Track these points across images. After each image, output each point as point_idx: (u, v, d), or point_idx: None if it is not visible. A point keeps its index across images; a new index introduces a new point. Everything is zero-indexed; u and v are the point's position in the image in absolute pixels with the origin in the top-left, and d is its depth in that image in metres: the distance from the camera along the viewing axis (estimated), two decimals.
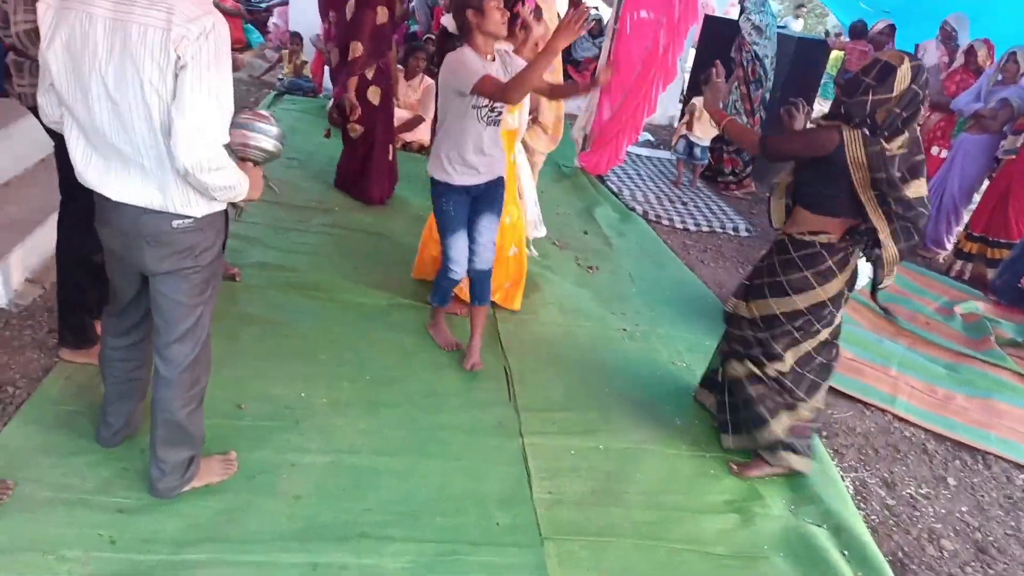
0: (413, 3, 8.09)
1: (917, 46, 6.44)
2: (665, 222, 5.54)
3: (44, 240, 3.25)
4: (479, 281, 3.16)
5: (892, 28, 7.12)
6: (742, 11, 6.26)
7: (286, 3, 8.68)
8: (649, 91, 4.10)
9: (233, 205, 2.02)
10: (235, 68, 3.37)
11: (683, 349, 3.70)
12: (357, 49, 4.53)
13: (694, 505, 2.65)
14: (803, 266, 2.62)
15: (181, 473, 2.20)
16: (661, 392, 3.29)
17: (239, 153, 1.94)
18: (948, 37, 6.20)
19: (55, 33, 1.70)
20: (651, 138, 7.90)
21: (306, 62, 7.54)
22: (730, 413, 2.89)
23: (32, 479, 2.22)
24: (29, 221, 3.35)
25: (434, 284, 3.27)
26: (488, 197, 3.04)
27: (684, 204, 5.98)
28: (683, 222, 5.58)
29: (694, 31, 6.64)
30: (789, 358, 2.73)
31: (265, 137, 1.96)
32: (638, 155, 7.30)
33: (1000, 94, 5.24)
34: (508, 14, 2.76)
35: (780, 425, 2.73)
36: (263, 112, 2.01)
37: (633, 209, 5.66)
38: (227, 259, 3.62)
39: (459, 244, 3.03)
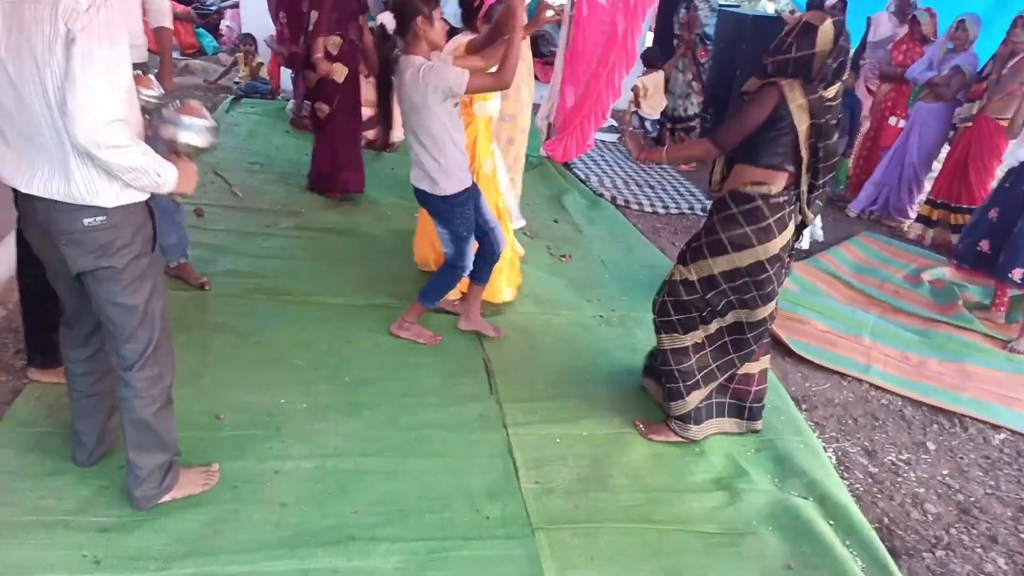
0: None
1: (869, 19, 6.53)
2: (634, 206, 5.56)
3: (5, 259, 3.15)
4: (494, 262, 3.28)
5: (844, 2, 7.20)
6: None
7: (236, 5, 8.54)
8: (611, 76, 4.08)
9: (173, 200, 1.98)
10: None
11: None
12: (314, 16, 4.41)
13: (680, 485, 2.66)
14: (744, 222, 2.60)
15: (158, 481, 2.16)
16: (640, 375, 3.30)
17: (169, 148, 1.90)
18: (904, 5, 6.29)
19: None
20: (614, 123, 7.92)
21: (262, 64, 7.42)
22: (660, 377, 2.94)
23: (9, 503, 2.17)
24: None
25: (435, 285, 3.23)
26: (476, 185, 3.12)
27: (652, 188, 6.01)
28: (652, 205, 5.60)
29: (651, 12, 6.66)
30: (719, 322, 2.75)
31: (192, 132, 1.91)
32: (603, 141, 7.31)
33: (952, 62, 5.33)
34: (448, 25, 2.87)
35: (694, 400, 2.80)
36: (194, 104, 1.96)
37: (601, 195, 5.67)
38: (196, 269, 3.56)
39: (472, 244, 3.12)
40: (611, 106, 4.13)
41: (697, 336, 2.77)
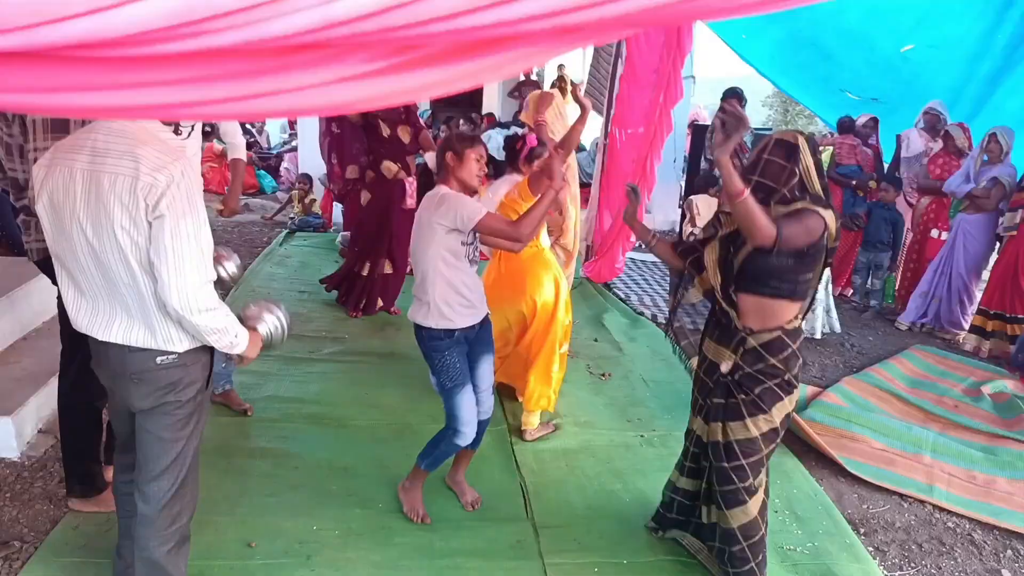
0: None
1: (898, 136, 6.63)
2: (675, 324, 5.53)
3: (55, 390, 3.28)
4: (481, 432, 2.90)
5: (875, 121, 7.36)
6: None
7: (295, 149, 9.18)
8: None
9: (231, 360, 2.09)
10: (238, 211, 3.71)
11: None
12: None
13: None
14: (800, 355, 2.44)
15: None
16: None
17: (243, 321, 2.07)
18: (935, 121, 6.40)
19: (42, 188, 1.83)
20: None
21: (315, 200, 7.87)
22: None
23: None
24: (43, 373, 3.40)
25: (431, 448, 2.85)
26: (484, 338, 2.84)
27: (692, 304, 5.98)
28: (693, 322, 5.56)
29: (677, 139, 6.96)
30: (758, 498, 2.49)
31: (274, 327, 2.20)
32: (643, 260, 7.40)
33: (989, 173, 5.34)
34: (486, 169, 2.71)
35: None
36: (273, 304, 2.26)
37: (642, 313, 5.67)
38: (240, 395, 3.65)
39: (468, 401, 2.73)
40: (630, 238, 4.26)
41: (759, 503, 2.52)
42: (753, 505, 2.48)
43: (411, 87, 1.16)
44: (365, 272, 5.15)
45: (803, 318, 2.47)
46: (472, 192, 2.70)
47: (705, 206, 6.82)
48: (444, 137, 2.80)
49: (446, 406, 2.75)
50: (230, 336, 1.92)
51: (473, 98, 8.28)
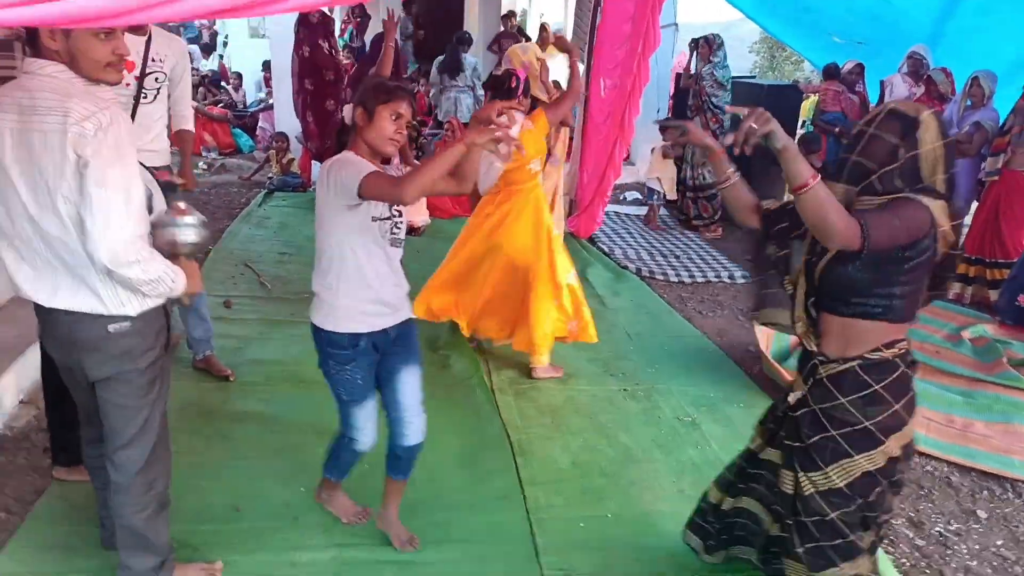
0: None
1: (882, 82, 6.58)
2: (659, 277, 5.54)
3: (37, 360, 3.24)
4: (407, 458, 2.42)
5: (861, 67, 7.30)
6: (708, 64, 6.51)
7: (271, 107, 8.99)
8: (613, 155, 4.21)
9: (177, 301, 2.01)
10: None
11: (687, 404, 3.62)
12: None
13: (708, 573, 2.53)
14: (893, 398, 1.88)
15: None
16: (666, 451, 3.21)
17: (170, 250, 1.92)
18: (918, 66, 6.34)
19: None
20: (638, 196, 7.99)
21: (293, 159, 7.73)
22: None
23: None
24: (22, 342, 3.35)
25: (332, 458, 2.54)
26: (406, 342, 2.32)
27: (676, 257, 5.99)
28: (677, 275, 5.57)
29: (660, 89, 6.89)
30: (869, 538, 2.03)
31: (189, 230, 1.93)
32: (626, 214, 7.37)
33: (972, 118, 5.31)
34: (405, 132, 2.16)
35: None
36: (181, 205, 1.98)
37: (626, 267, 5.67)
38: (222, 359, 3.63)
39: (367, 411, 2.34)
40: (614, 182, 4.22)
41: (864, 568, 2.03)
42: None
43: None
44: None
45: (901, 351, 1.91)
46: (386, 159, 2.19)
47: (659, 162, 6.90)
48: (359, 87, 2.20)
49: (341, 414, 2.37)
50: (167, 282, 1.84)
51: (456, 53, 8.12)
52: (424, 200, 5.91)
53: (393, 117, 2.09)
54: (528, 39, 8.74)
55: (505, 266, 3.66)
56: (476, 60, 8.48)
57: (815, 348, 1.98)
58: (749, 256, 2.49)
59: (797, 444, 2.01)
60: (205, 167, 8.25)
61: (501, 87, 3.52)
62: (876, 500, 1.96)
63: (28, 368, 3.28)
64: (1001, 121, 5.28)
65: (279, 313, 4.40)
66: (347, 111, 2.16)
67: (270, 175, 7.72)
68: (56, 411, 2.67)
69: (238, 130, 9.56)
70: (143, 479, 2.03)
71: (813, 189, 1.66)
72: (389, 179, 2.01)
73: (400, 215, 2.24)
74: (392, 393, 2.32)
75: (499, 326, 3.81)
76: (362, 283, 2.17)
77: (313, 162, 7.60)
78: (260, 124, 9.43)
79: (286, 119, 7.88)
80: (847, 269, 1.83)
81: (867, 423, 1.88)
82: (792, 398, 2.04)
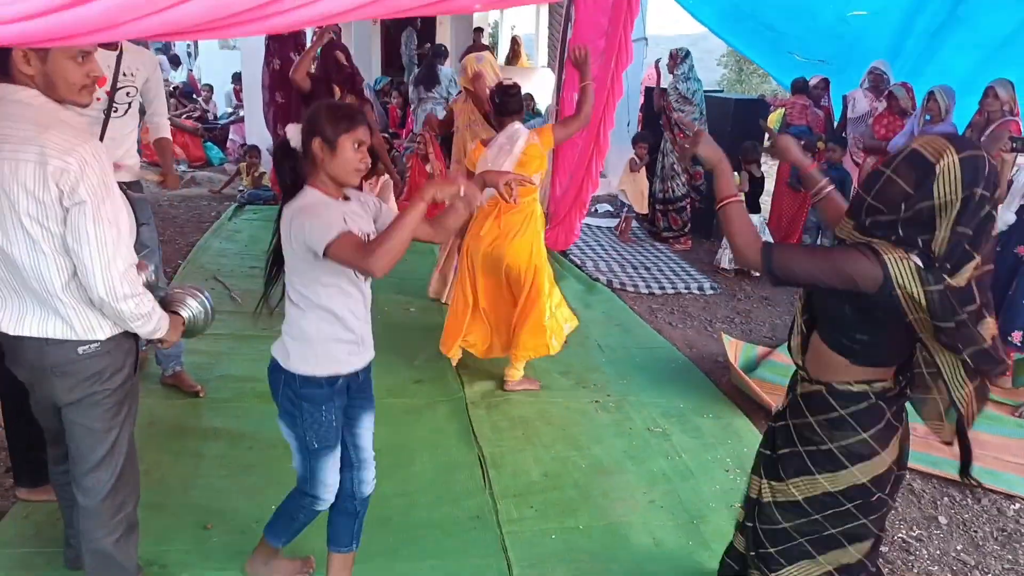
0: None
1: (844, 97, 6.74)
2: (630, 288, 5.60)
3: None
4: (362, 515, 2.30)
5: (826, 82, 7.47)
6: (674, 78, 6.63)
7: (242, 120, 8.94)
8: (590, 167, 4.26)
9: (155, 343, 2.04)
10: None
11: (657, 415, 3.67)
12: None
13: None
14: (859, 426, 1.86)
15: None
16: (637, 462, 3.25)
17: (164, 306, 2.01)
18: (879, 81, 6.51)
19: None
20: (610, 208, 8.07)
21: (264, 173, 7.70)
22: None
23: None
24: None
25: (284, 520, 2.30)
26: (365, 387, 2.23)
27: (647, 269, 6.06)
28: (648, 287, 5.64)
29: (630, 102, 6.99)
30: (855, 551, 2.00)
31: (195, 310, 2.13)
32: (598, 226, 7.43)
33: (931, 132, 5.45)
34: (368, 160, 1.98)
35: None
36: (197, 289, 2.17)
37: (597, 279, 5.72)
38: (192, 376, 3.59)
39: (335, 461, 2.17)
40: (591, 195, 4.26)
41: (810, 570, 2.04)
42: None
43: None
44: None
45: (876, 388, 1.86)
46: (349, 188, 2.04)
47: (626, 175, 7.07)
48: (309, 112, 1.98)
49: (305, 469, 2.15)
50: (153, 322, 1.88)
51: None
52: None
53: (356, 146, 1.92)
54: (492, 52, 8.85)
55: (507, 279, 3.69)
56: (452, 71, 8.54)
57: (799, 363, 2.00)
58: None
59: (768, 452, 2.06)
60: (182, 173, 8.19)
61: (508, 98, 3.50)
62: (838, 522, 1.95)
63: None
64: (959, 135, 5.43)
65: (250, 328, 4.34)
66: (293, 134, 1.95)
67: (240, 188, 7.67)
68: (16, 432, 2.63)
69: (209, 143, 9.49)
70: (111, 502, 2.00)
71: (727, 206, 1.86)
72: (357, 247, 1.83)
73: None
74: (353, 439, 2.20)
75: (501, 342, 3.83)
76: (340, 325, 2.04)
77: None
78: (231, 136, 9.37)
79: (257, 131, 7.85)
80: (835, 299, 1.81)
81: (831, 445, 1.88)
82: (773, 409, 2.10)
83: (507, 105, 3.53)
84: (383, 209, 2.13)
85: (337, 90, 4.88)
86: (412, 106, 8.71)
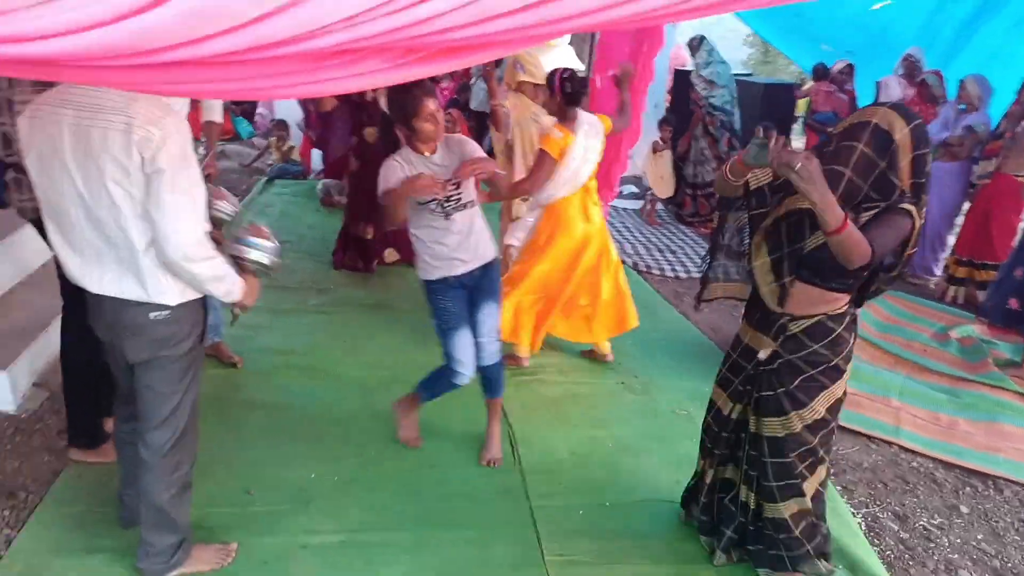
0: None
1: (878, 83, 6.67)
2: (655, 271, 5.64)
3: (48, 344, 3.32)
4: (490, 378, 2.99)
5: (851, 67, 7.39)
6: (695, 67, 6.66)
7: None
8: (618, 150, 4.27)
9: (230, 311, 2.12)
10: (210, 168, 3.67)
11: (683, 397, 3.73)
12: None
13: (703, 559, 2.64)
14: (849, 335, 2.24)
15: (167, 558, 2.23)
16: (663, 443, 3.32)
17: (235, 264, 2.05)
18: (913, 68, 6.44)
19: (29, 142, 1.85)
20: (635, 189, 8.08)
21: (293, 147, 7.77)
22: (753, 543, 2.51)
23: None
24: (34, 326, 3.42)
25: (431, 380, 3.00)
26: (485, 286, 2.87)
27: (673, 252, 6.09)
28: (673, 270, 5.67)
29: (656, 84, 6.98)
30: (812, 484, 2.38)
31: (262, 252, 2.11)
32: (624, 208, 7.45)
33: (964, 122, 5.42)
34: (442, 120, 2.63)
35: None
36: (263, 227, 2.15)
37: (623, 262, 5.75)
38: (230, 346, 3.70)
39: (464, 342, 2.82)
40: (620, 177, 4.28)
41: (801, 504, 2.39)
42: (808, 489, 2.36)
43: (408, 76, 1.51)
44: (370, 235, 5.10)
45: (851, 304, 2.25)
46: (432, 146, 2.66)
47: (649, 157, 7.03)
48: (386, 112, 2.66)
49: (443, 346, 2.86)
50: (228, 283, 1.98)
51: None
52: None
53: (427, 121, 2.54)
54: None
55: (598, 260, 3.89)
56: None
57: (778, 309, 2.24)
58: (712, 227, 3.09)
59: (780, 391, 2.27)
60: (205, 152, 8.27)
61: (582, 86, 3.54)
62: (823, 440, 2.32)
63: (41, 351, 3.35)
64: (994, 125, 5.39)
65: (284, 302, 4.47)
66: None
67: (270, 162, 7.75)
68: (74, 394, 2.75)
69: (238, 117, 9.57)
70: (171, 460, 2.13)
71: (844, 234, 1.88)
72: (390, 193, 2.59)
73: (438, 203, 2.67)
74: (473, 324, 2.86)
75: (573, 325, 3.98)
76: (427, 248, 2.76)
77: (313, 150, 7.64)
78: (259, 110, 9.44)
79: (285, 105, 7.92)
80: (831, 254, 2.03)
81: (836, 359, 2.23)
82: (763, 355, 2.30)
83: (580, 93, 3.54)
84: (467, 151, 2.71)
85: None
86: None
